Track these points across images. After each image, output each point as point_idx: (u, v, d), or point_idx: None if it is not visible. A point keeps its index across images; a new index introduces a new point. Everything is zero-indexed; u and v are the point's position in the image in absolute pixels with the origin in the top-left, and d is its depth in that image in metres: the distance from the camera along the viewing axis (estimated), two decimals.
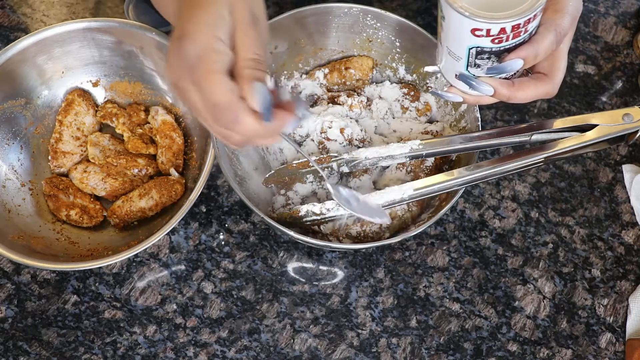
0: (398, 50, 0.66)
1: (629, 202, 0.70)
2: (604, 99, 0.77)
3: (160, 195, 0.61)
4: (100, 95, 0.68)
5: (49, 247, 0.59)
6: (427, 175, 0.61)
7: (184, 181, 0.63)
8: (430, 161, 0.61)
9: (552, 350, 0.62)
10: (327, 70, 0.67)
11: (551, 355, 0.62)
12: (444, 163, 0.62)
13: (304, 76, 0.68)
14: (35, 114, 0.65)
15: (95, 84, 0.68)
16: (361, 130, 0.62)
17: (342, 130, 0.60)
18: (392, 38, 0.65)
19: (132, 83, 0.68)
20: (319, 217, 0.56)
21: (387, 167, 0.63)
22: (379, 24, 0.64)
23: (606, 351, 0.62)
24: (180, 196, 0.62)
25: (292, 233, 0.53)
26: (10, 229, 0.58)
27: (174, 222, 0.55)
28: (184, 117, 0.67)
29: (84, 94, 0.67)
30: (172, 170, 0.64)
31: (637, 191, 0.69)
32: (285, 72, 0.67)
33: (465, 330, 0.62)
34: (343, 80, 0.67)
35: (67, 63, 0.65)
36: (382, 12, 0.62)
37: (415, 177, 0.61)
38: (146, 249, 0.63)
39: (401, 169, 0.61)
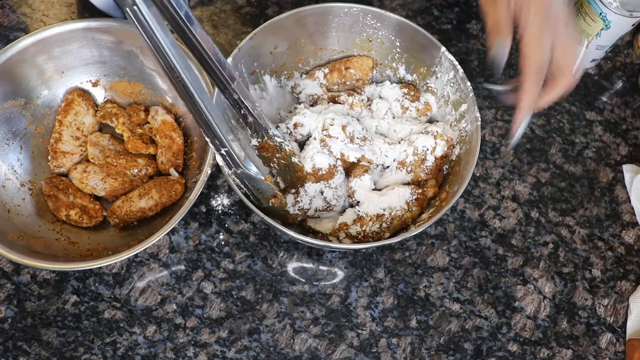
0: (398, 50, 0.66)
1: (629, 202, 0.70)
2: (604, 98, 0.77)
3: (160, 195, 0.61)
4: (100, 95, 0.68)
5: (48, 247, 0.58)
6: (427, 175, 0.61)
7: (183, 181, 0.63)
8: (430, 161, 0.61)
9: (553, 351, 0.62)
10: (327, 70, 0.67)
11: (551, 356, 0.62)
12: (443, 163, 0.62)
13: (304, 76, 0.68)
14: (35, 113, 0.65)
15: (95, 84, 0.68)
16: (362, 129, 0.62)
17: (343, 128, 0.60)
18: (392, 38, 0.65)
19: (132, 83, 0.68)
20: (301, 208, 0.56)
21: (388, 167, 0.63)
22: (379, 24, 0.64)
23: (606, 351, 0.62)
24: (180, 196, 0.62)
25: (292, 233, 0.53)
26: (10, 229, 0.58)
27: (173, 222, 0.55)
28: (184, 117, 0.67)
29: (84, 93, 0.67)
30: (172, 170, 0.63)
31: (638, 191, 0.69)
32: (285, 72, 0.67)
33: (465, 330, 0.62)
34: (343, 80, 0.67)
35: (66, 63, 0.65)
36: (382, 12, 0.62)
37: (416, 177, 0.61)
38: (146, 249, 0.63)
39: (401, 169, 0.61)
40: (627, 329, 0.63)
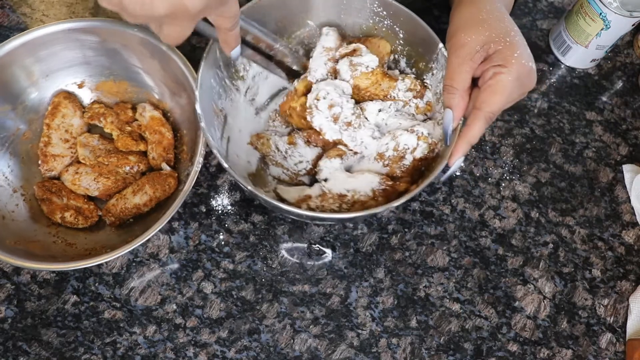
0: (401, 42, 0.65)
1: (629, 202, 0.70)
2: (604, 98, 0.77)
3: (154, 190, 0.61)
4: (86, 96, 0.68)
5: (47, 250, 0.58)
6: (403, 172, 0.61)
7: (176, 174, 0.63)
8: (408, 160, 0.60)
9: (553, 351, 0.62)
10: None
11: (551, 356, 0.62)
12: (422, 165, 0.61)
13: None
14: (22, 119, 0.64)
15: (80, 86, 0.67)
16: (352, 114, 0.62)
17: (330, 107, 0.60)
18: (397, 29, 0.65)
19: (118, 82, 0.68)
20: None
21: (365, 156, 0.63)
22: (384, 12, 0.64)
23: (606, 351, 0.62)
24: (174, 190, 0.62)
25: (262, 195, 0.53)
26: (6, 235, 0.58)
27: (170, 213, 0.55)
28: (172, 111, 0.67)
29: (70, 96, 0.66)
30: (164, 165, 0.64)
31: (638, 191, 0.69)
32: (290, 45, 0.67)
33: (465, 330, 0.62)
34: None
35: (51, 66, 0.64)
36: (390, 0, 0.62)
37: (391, 172, 0.61)
38: (146, 249, 0.63)
39: (379, 160, 0.61)
40: (627, 329, 0.63)
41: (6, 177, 0.63)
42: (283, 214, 0.65)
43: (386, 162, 0.61)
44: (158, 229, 0.54)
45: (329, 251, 0.65)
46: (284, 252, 0.64)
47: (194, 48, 0.75)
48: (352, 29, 0.67)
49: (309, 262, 0.64)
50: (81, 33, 0.62)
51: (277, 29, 0.65)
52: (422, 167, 0.62)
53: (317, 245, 0.65)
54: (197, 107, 0.56)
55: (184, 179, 0.62)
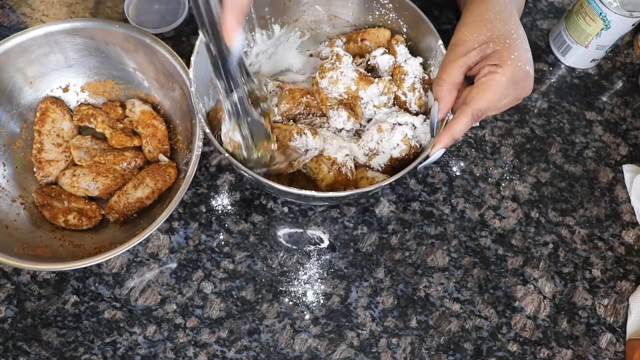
0: (404, 36, 0.66)
1: (630, 202, 0.70)
2: (604, 98, 0.77)
3: (155, 182, 0.61)
4: (72, 99, 0.68)
5: (55, 253, 0.58)
6: (380, 167, 0.61)
7: (175, 164, 0.63)
8: (387, 156, 0.61)
9: (553, 351, 0.62)
10: (344, 40, 0.68)
11: (551, 356, 0.62)
12: (398, 164, 0.61)
13: (326, 42, 0.69)
14: (11, 129, 0.64)
15: (65, 90, 0.67)
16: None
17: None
18: (401, 23, 0.65)
19: (103, 82, 0.68)
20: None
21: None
22: (390, 5, 0.64)
23: (606, 351, 0.62)
24: (175, 179, 0.63)
25: (228, 156, 0.53)
26: (13, 244, 0.58)
27: (177, 200, 0.55)
28: (161, 104, 0.67)
29: (57, 100, 0.66)
30: (161, 156, 0.64)
31: (638, 191, 0.69)
32: (297, 28, 0.68)
33: (465, 330, 0.62)
34: (359, 51, 0.67)
35: (33, 72, 0.64)
36: None
37: (369, 159, 0.61)
38: (146, 249, 0.63)
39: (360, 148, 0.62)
40: (627, 329, 0.63)
41: (3, 188, 0.62)
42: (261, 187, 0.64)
43: (366, 152, 0.61)
44: (167, 216, 0.55)
45: (328, 251, 0.65)
46: (283, 252, 0.64)
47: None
48: (357, 19, 0.68)
49: (308, 262, 0.64)
50: (60, 35, 0.62)
51: (284, 8, 0.65)
52: (398, 165, 0.61)
53: (317, 245, 0.65)
54: (190, 72, 0.55)
55: (183, 167, 0.63)
